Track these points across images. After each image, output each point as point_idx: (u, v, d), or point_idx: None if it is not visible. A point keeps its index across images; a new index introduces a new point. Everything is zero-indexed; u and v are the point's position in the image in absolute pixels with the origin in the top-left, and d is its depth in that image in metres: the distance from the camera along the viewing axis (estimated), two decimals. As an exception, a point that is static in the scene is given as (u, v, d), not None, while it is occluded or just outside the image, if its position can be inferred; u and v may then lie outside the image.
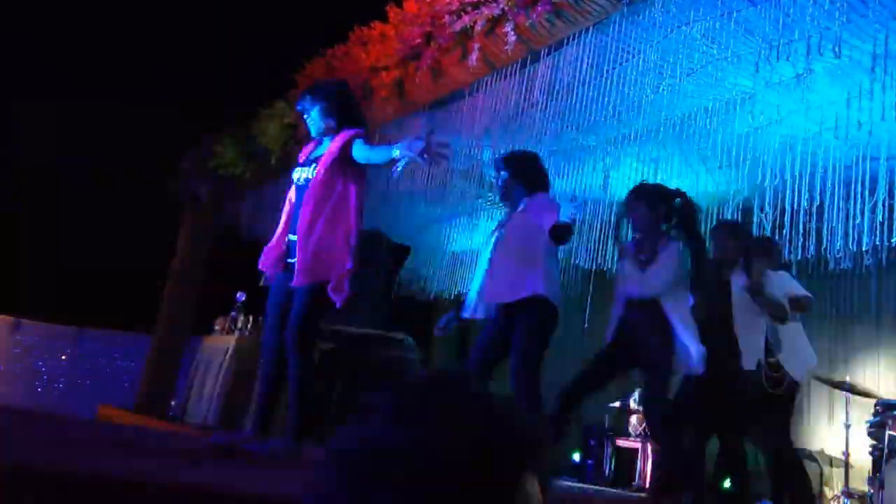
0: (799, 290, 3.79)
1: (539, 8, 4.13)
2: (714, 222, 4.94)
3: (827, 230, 4.64)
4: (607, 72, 4.38)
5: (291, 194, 3.18)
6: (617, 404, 6.65)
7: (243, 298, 6.71)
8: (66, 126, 9.87)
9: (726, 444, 3.62)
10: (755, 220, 5.08)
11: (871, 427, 4.44)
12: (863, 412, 4.78)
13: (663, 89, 4.35)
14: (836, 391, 5.05)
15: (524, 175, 3.39)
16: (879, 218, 4.26)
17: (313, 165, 3.07)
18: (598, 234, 6.31)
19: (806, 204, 4.43)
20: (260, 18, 10.00)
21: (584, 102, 4.58)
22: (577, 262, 6.56)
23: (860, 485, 4.79)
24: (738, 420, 3.61)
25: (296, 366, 2.93)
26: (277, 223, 3.20)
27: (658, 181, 4.23)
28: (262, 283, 3.26)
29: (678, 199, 3.39)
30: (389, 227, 7.46)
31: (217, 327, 6.96)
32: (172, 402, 7.53)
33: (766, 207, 4.85)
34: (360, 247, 3.04)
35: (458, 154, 5.72)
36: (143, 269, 8.75)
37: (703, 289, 3.40)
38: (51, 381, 9.30)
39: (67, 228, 9.87)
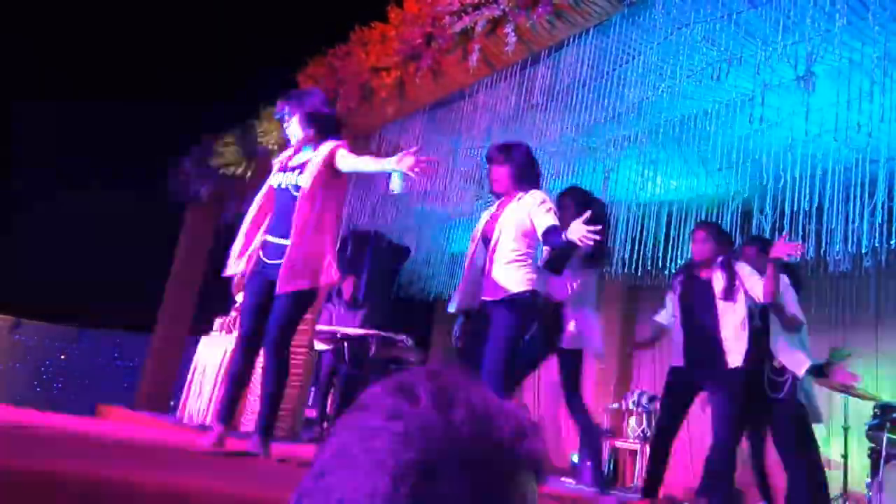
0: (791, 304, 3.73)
1: (539, 9, 4.13)
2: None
3: (826, 232, 4.64)
4: (607, 73, 4.38)
5: (261, 196, 3.29)
6: (616, 405, 6.64)
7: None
8: (66, 126, 9.87)
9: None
10: (755, 221, 5.09)
11: (869, 429, 4.45)
12: (861, 414, 4.78)
13: (663, 91, 4.35)
14: (835, 393, 5.04)
15: (516, 166, 3.31)
16: (879, 220, 4.25)
17: (296, 172, 3.16)
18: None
19: (806, 206, 4.42)
20: (260, 18, 10.01)
21: (584, 104, 4.59)
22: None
23: (859, 487, 4.79)
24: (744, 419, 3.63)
25: (275, 368, 3.02)
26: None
27: (658, 183, 4.23)
28: (234, 288, 3.37)
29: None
30: (389, 228, 7.47)
31: (217, 327, 6.95)
32: (172, 402, 7.52)
33: (766, 209, 4.86)
34: (352, 249, 3.18)
35: (458, 154, 5.72)
36: (143, 269, 8.75)
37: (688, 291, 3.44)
38: (50, 380, 9.30)
39: (67, 228, 9.88)
